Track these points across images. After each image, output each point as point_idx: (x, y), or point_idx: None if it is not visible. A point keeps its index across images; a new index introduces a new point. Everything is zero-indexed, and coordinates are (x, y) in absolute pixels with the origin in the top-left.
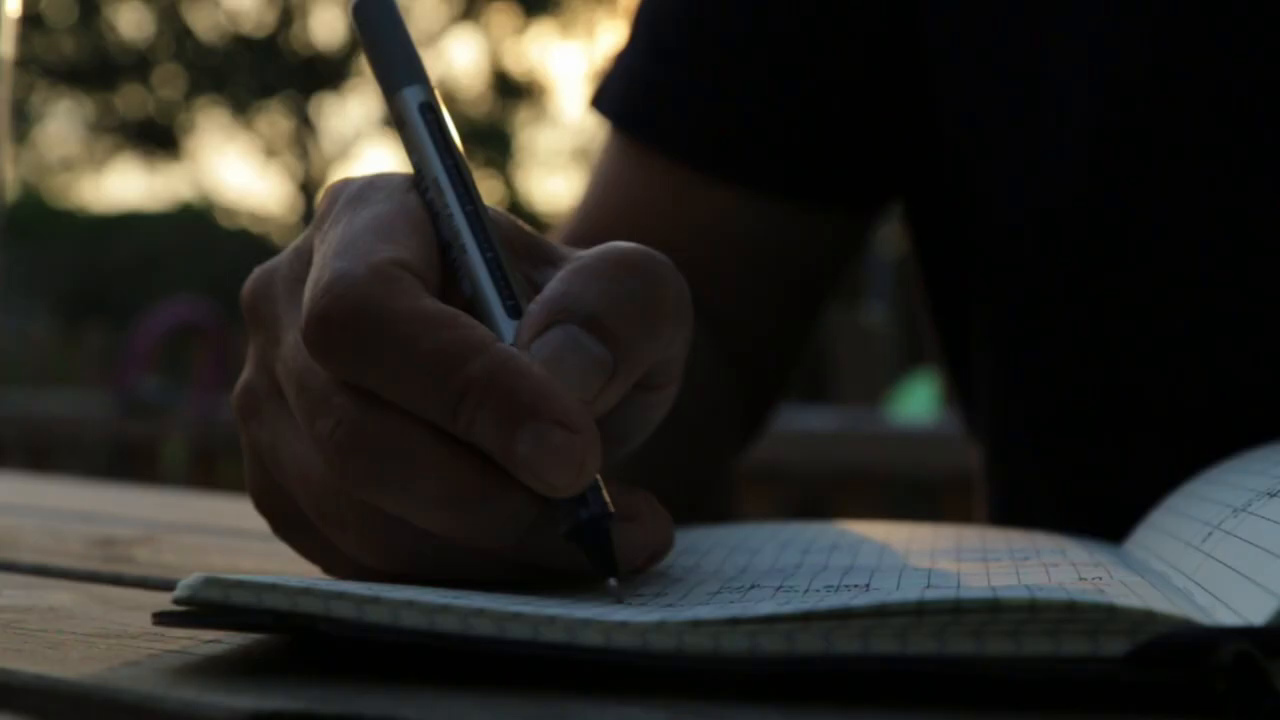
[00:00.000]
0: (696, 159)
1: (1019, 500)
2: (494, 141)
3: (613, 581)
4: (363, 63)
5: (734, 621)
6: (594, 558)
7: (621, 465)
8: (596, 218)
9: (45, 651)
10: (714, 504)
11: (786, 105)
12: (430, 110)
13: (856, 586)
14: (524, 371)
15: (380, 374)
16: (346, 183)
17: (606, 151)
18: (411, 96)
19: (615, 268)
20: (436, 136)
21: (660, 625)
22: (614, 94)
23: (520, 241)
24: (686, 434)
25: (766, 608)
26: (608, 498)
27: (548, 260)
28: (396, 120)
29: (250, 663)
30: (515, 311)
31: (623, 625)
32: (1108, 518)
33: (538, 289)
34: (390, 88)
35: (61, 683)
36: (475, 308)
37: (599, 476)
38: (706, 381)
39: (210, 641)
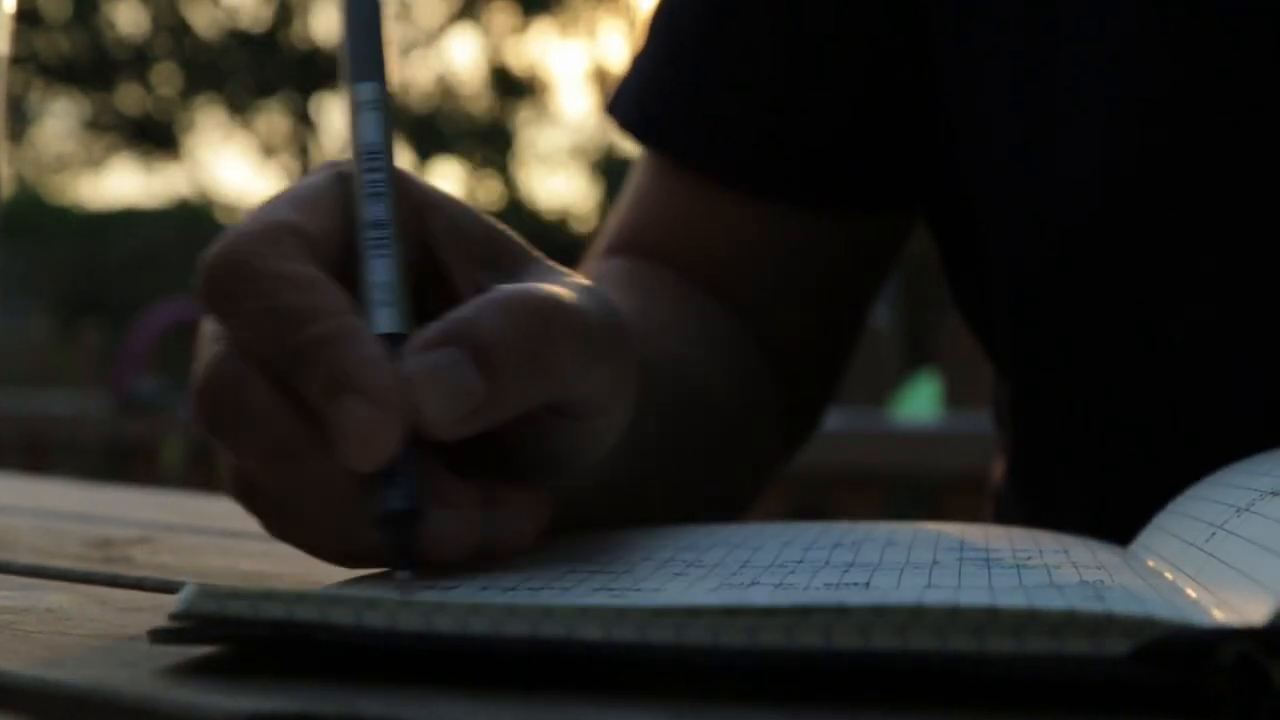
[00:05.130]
0: (712, 170)
1: (1044, 503)
2: (495, 139)
3: (402, 574)
4: None
5: (732, 612)
6: (388, 550)
7: (661, 466)
8: (629, 227)
9: (43, 653)
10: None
11: (801, 116)
12: (371, 109)
13: (856, 585)
14: (356, 343)
15: (239, 324)
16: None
17: (638, 160)
18: (362, 92)
19: (524, 310)
20: (374, 133)
21: (659, 616)
22: (629, 102)
23: (479, 243)
24: (733, 439)
25: (764, 597)
26: (417, 494)
27: (505, 267)
28: (349, 110)
29: (248, 663)
30: (388, 304)
31: (621, 616)
32: (1130, 524)
33: (480, 290)
34: (349, 79)
35: (59, 684)
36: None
37: (412, 469)
38: (747, 388)
39: None
